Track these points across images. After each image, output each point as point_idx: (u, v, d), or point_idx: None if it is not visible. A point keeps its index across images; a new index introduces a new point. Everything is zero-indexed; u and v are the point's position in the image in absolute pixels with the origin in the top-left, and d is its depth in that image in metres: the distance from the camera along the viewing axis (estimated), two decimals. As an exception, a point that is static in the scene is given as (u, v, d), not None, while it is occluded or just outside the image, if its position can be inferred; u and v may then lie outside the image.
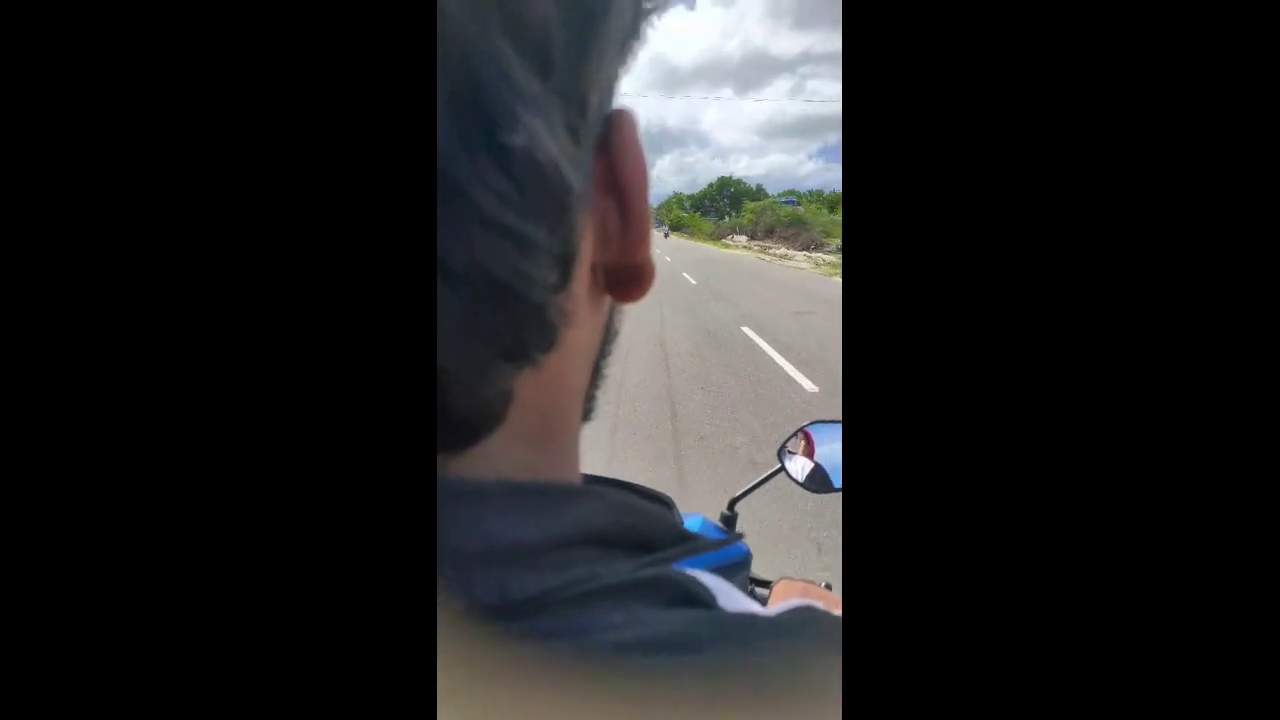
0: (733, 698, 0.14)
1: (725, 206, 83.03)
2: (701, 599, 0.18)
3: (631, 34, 0.18)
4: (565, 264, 0.16)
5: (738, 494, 0.86)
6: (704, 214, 78.31)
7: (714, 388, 4.16)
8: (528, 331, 0.16)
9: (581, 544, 0.17)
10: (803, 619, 0.18)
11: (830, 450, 0.76)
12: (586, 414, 0.23)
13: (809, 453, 0.77)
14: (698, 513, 0.82)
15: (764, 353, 5.21)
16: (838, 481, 0.74)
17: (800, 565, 2.02)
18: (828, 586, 0.66)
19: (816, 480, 0.75)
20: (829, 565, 2.04)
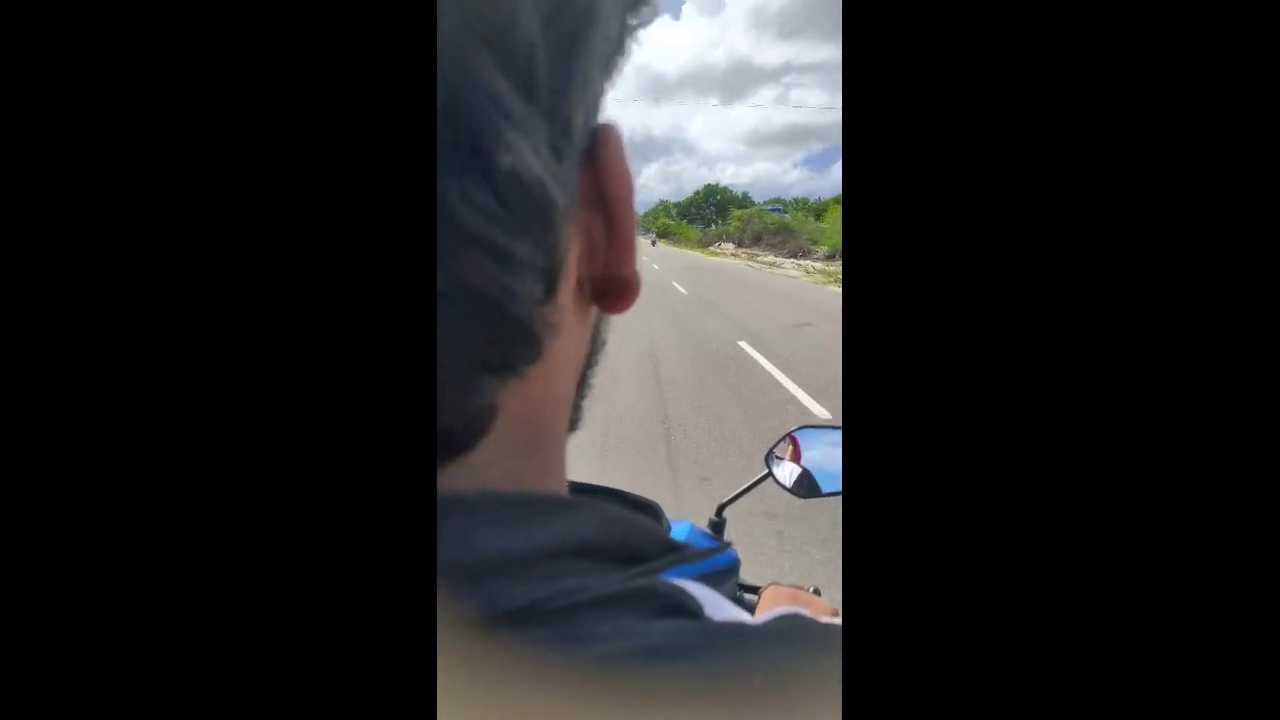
0: (720, 707, 0.14)
1: (712, 214, 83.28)
2: (689, 609, 0.18)
3: (617, 50, 0.18)
4: (550, 278, 0.16)
5: (725, 500, 0.86)
6: (691, 221, 78.49)
7: (717, 421, 3.67)
8: (513, 345, 0.16)
9: (571, 555, 0.17)
10: (790, 627, 0.18)
11: (817, 455, 0.76)
12: (573, 424, 0.23)
13: (796, 458, 0.77)
14: (686, 519, 0.81)
15: (770, 374, 4.75)
16: (825, 486, 0.73)
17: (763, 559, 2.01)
18: (816, 592, 0.66)
19: (804, 485, 0.75)
20: (788, 552, 2.07)
